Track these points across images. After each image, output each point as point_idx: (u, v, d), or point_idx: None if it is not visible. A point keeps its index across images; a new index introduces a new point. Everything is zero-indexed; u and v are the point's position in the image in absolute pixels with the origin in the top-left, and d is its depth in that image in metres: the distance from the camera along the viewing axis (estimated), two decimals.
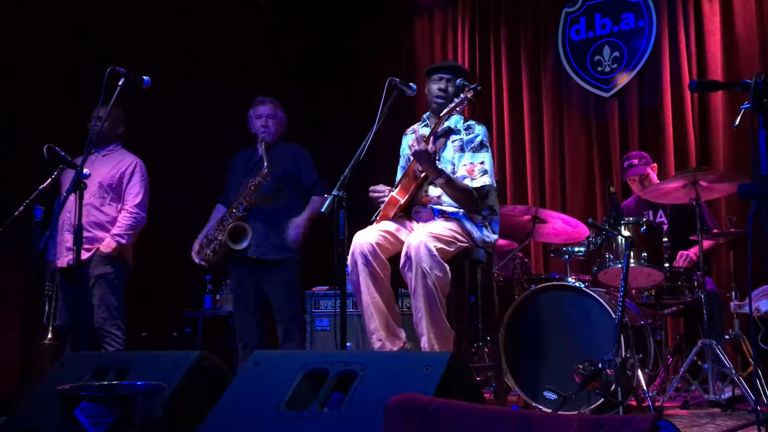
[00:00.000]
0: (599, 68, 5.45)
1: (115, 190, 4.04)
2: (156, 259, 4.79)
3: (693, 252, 3.98)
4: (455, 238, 3.10)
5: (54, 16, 4.67)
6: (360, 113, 4.22)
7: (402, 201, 3.26)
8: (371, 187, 3.40)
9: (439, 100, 3.37)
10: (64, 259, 3.94)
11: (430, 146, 3.12)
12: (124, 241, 3.96)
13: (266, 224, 4.01)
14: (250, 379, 2.30)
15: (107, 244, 3.93)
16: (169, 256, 5.10)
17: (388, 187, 3.40)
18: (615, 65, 5.39)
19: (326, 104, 6.21)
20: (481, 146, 3.30)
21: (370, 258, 3.03)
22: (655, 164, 4.45)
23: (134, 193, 4.04)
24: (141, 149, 4.24)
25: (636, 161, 4.35)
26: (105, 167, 4.04)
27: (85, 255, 3.84)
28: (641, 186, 4.32)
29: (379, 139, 3.20)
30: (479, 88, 3.27)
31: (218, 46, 5.50)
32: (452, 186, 3.19)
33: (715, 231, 4.04)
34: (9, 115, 4.49)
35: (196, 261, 4.07)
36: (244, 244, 3.96)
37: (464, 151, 3.30)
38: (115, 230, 3.97)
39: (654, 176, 4.37)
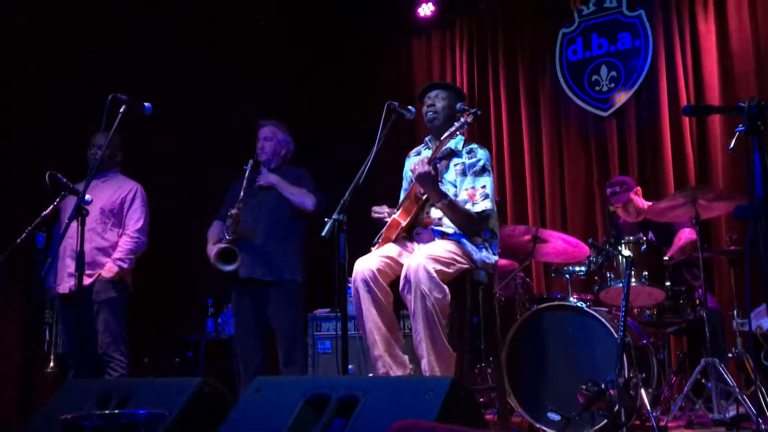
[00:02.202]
0: (597, 88, 5.49)
1: (116, 216, 4.07)
2: (157, 283, 4.79)
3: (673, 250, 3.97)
4: (454, 259, 3.10)
5: (55, 15, 4.69)
6: (358, 136, 4.25)
7: (404, 224, 3.27)
8: (374, 208, 3.41)
9: (430, 116, 3.40)
10: (66, 285, 3.95)
11: (432, 170, 3.13)
12: (125, 266, 3.98)
13: (264, 245, 4.01)
14: (251, 405, 2.29)
15: (109, 269, 3.94)
16: (171, 281, 5.12)
17: (389, 209, 3.41)
18: (612, 84, 5.42)
19: (324, 126, 6.24)
20: (483, 170, 3.30)
21: (372, 284, 3.04)
22: (638, 188, 4.44)
23: (135, 218, 4.07)
24: (139, 171, 4.26)
25: (618, 188, 4.34)
26: (105, 193, 4.07)
27: (87, 281, 3.85)
28: (626, 212, 4.34)
29: (379, 162, 3.21)
30: (479, 113, 3.28)
31: (218, 66, 5.54)
32: (453, 209, 3.20)
33: (673, 251, 3.96)
34: (11, 112, 4.50)
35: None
36: (232, 267, 3.93)
37: (466, 175, 3.31)
38: (116, 255, 3.98)
39: (638, 200, 4.36)
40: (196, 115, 5.38)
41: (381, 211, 3.38)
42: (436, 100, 3.41)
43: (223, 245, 3.95)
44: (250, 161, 4.11)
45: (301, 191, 4.07)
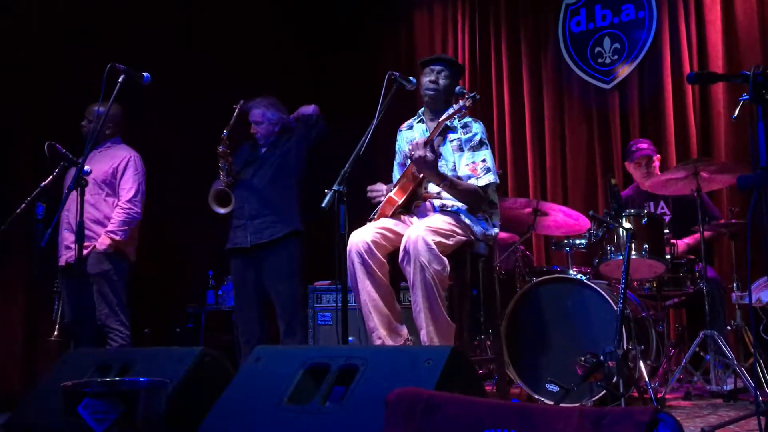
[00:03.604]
0: (600, 60, 5.44)
1: (110, 186, 4.01)
2: (158, 254, 4.80)
3: (683, 243, 3.99)
4: (454, 231, 3.09)
5: (55, 15, 4.67)
6: (360, 108, 4.22)
7: (400, 201, 3.27)
8: (369, 187, 3.40)
9: (430, 92, 3.37)
10: (64, 258, 3.95)
11: (429, 154, 3.10)
12: (118, 238, 3.92)
13: (261, 209, 4.03)
14: (252, 374, 2.31)
15: (101, 242, 3.90)
16: (171, 252, 5.12)
17: (386, 186, 3.40)
18: (616, 57, 5.37)
19: (326, 99, 6.18)
20: (481, 144, 3.28)
21: (366, 256, 3.03)
22: (659, 156, 4.44)
23: (127, 188, 3.99)
24: (141, 145, 4.24)
25: (645, 145, 4.36)
26: (101, 163, 4.00)
27: (84, 252, 3.84)
28: (645, 170, 4.28)
29: (379, 133, 3.19)
30: (477, 96, 3.25)
31: (218, 41, 5.50)
32: (456, 188, 3.18)
33: (721, 221, 4.01)
34: (11, 112, 4.49)
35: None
36: (225, 210, 4.02)
37: (463, 150, 3.28)
38: (109, 227, 3.93)
39: (657, 165, 4.36)
40: (197, 86, 5.35)
41: (377, 189, 3.36)
42: (440, 76, 3.37)
43: (219, 187, 4.02)
44: (242, 101, 4.12)
45: (300, 108, 4.17)
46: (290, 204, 4.09)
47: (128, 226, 3.98)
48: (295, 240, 4.05)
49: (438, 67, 3.39)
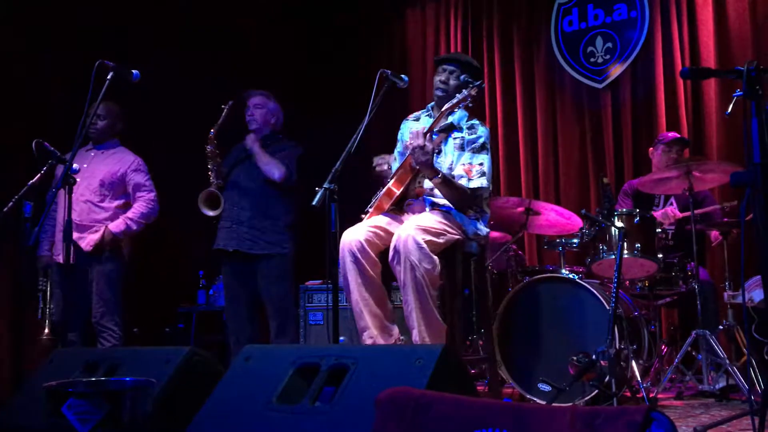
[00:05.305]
0: (592, 59, 5.44)
1: (116, 188, 4.04)
2: (149, 254, 4.77)
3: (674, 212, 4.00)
4: (445, 230, 3.07)
5: (53, 13, 4.64)
6: (352, 106, 4.20)
7: (398, 192, 3.23)
8: (375, 159, 3.37)
9: (439, 93, 3.34)
10: (61, 256, 3.92)
11: (428, 143, 3.07)
12: (134, 227, 3.98)
13: (252, 218, 4.00)
14: (241, 374, 2.28)
15: (117, 224, 3.94)
16: (163, 252, 5.08)
17: (391, 155, 3.37)
18: (608, 56, 5.37)
19: (318, 97, 6.17)
20: (482, 148, 3.26)
21: (359, 255, 3.00)
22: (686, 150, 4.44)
23: (148, 187, 4.08)
24: (132, 142, 4.22)
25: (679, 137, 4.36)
26: (106, 165, 4.05)
27: (87, 248, 3.86)
28: (674, 155, 4.24)
29: (371, 131, 3.17)
30: (483, 85, 3.23)
31: (217, 40, 5.49)
32: (448, 185, 3.15)
33: (725, 219, 3.99)
34: (3, 111, 4.46)
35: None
36: (214, 213, 4.03)
37: (464, 150, 3.26)
38: (129, 214, 3.99)
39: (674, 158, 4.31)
40: (189, 84, 5.32)
41: (383, 157, 3.34)
42: (451, 77, 3.33)
43: (209, 189, 4.02)
44: (230, 102, 4.10)
45: (271, 161, 3.96)
46: (279, 227, 4.02)
47: (146, 220, 4.06)
48: (282, 254, 4.01)
49: (451, 67, 3.35)
